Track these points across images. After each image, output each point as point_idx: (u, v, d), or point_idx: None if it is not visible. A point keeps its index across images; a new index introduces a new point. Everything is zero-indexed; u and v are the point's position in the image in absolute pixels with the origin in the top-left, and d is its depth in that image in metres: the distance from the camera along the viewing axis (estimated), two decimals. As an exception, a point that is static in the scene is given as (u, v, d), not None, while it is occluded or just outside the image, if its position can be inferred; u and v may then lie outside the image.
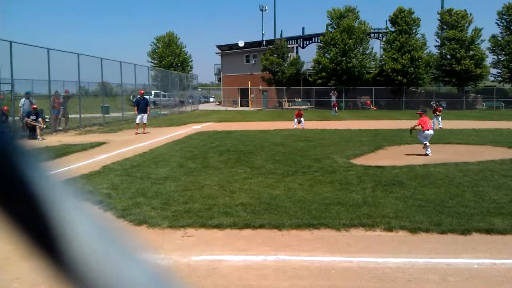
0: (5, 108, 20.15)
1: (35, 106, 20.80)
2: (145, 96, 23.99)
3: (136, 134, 21.75)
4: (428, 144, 13.92)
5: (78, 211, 0.39)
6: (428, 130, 13.93)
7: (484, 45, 50.26)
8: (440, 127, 23.94)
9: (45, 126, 21.32)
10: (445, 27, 50.65)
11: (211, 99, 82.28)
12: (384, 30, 52.40)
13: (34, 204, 0.37)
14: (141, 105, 22.70)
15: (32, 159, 0.38)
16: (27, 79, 24.51)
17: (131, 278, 0.37)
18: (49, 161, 0.40)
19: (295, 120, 25.31)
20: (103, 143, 17.79)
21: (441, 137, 18.72)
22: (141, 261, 0.38)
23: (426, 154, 13.72)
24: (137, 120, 22.69)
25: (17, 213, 0.38)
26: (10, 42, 19.28)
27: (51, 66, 22.44)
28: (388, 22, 50.93)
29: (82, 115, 26.09)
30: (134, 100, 25.83)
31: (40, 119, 20.23)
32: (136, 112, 22.92)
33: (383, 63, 50.03)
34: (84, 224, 0.39)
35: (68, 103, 25.17)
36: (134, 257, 0.38)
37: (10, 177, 0.37)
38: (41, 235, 0.38)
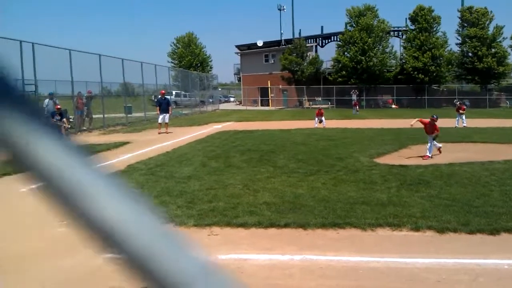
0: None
1: (59, 106, 21.11)
2: (166, 96, 24.20)
3: (159, 133, 21.96)
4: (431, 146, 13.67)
5: (127, 202, 0.40)
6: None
7: (506, 43, 49.48)
8: (464, 126, 23.63)
9: (69, 126, 21.63)
10: (465, 24, 49.93)
11: (232, 99, 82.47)
12: (404, 28, 51.86)
13: (83, 195, 0.39)
14: (163, 105, 22.98)
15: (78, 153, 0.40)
16: (50, 80, 24.88)
17: (184, 269, 0.39)
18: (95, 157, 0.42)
19: (316, 119, 25.20)
20: (127, 142, 17.99)
21: (465, 136, 18.48)
22: (192, 252, 0.40)
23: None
24: (160, 120, 22.93)
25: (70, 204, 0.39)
26: (33, 44, 19.61)
27: (73, 67, 22.78)
28: (408, 20, 50.44)
29: (106, 115, 26.41)
30: (155, 100, 26.05)
31: (64, 119, 20.54)
32: (158, 112, 23.14)
33: (404, 61, 49.51)
34: (138, 217, 0.40)
35: (91, 103, 25.50)
36: (186, 249, 0.40)
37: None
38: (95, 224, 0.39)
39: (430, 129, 13.70)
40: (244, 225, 6.97)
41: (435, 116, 13.99)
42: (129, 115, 29.38)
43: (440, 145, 13.89)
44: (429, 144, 13.54)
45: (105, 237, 0.39)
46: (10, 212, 8.17)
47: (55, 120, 20.00)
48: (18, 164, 0.38)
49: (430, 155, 13.34)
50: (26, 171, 0.38)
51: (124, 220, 0.39)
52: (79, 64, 23.58)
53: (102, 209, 0.39)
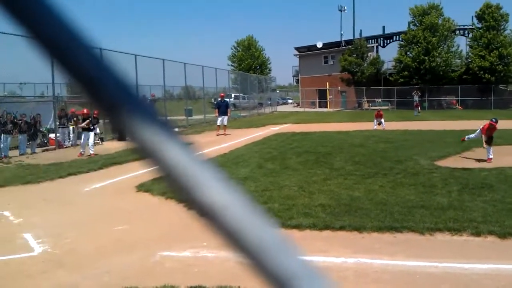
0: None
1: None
2: (225, 99, 24.56)
3: (217, 135, 22.37)
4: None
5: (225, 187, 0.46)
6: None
7: None
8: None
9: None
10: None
11: (289, 101, 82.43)
12: (470, 27, 49.83)
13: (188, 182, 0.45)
14: (222, 108, 23.29)
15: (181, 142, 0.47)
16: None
17: (292, 270, 0.42)
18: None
19: (375, 121, 24.75)
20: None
21: (535, 138, 17.55)
22: (298, 254, 0.44)
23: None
24: (218, 122, 23.35)
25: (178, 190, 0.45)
26: (100, 49, 20.40)
27: (138, 71, 23.62)
28: (475, 18, 48.44)
29: (167, 118, 27.08)
30: (215, 103, 26.53)
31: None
32: (217, 115, 23.48)
33: (470, 60, 47.60)
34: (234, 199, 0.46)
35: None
36: (292, 250, 0.44)
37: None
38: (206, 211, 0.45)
39: (490, 132, 13.12)
40: (298, 226, 6.99)
41: (494, 120, 13.36)
42: (189, 118, 30.06)
43: (491, 155, 13.04)
44: (486, 146, 13.02)
45: (216, 221, 0.44)
46: (74, 210, 8.61)
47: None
48: (146, 158, 0.45)
49: (491, 156, 12.81)
50: (151, 165, 0.45)
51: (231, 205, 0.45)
52: (144, 68, 24.43)
53: (213, 196, 0.44)
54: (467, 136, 14.33)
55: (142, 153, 0.44)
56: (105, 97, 0.44)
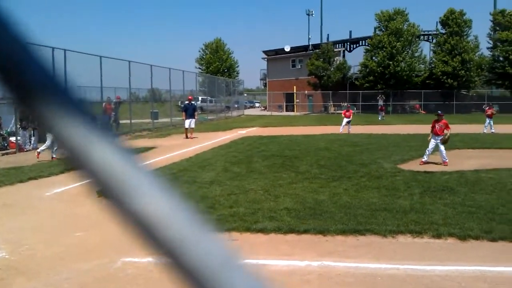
0: None
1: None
2: (192, 102, 24.41)
3: (185, 138, 22.27)
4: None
5: (170, 198, 0.43)
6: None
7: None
8: (492, 132, 23.16)
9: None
10: (497, 28, 48.86)
11: (257, 104, 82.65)
12: (434, 32, 51.08)
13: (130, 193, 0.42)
14: (189, 111, 23.13)
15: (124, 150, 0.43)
16: (80, 86, 25.33)
17: (230, 277, 0.40)
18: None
19: (344, 121, 24.86)
20: (152, 147, 18.23)
21: (493, 142, 18.10)
22: (239, 259, 0.42)
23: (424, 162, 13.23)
24: (186, 125, 23.13)
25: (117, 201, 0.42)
26: (65, 50, 20.08)
27: (103, 73, 23.25)
28: (439, 24, 49.67)
29: (132, 121, 26.83)
30: (182, 105, 26.34)
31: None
32: (184, 118, 23.29)
33: (433, 66, 48.77)
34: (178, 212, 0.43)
35: (119, 109, 25.92)
36: (233, 255, 0.42)
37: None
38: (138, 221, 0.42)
39: (440, 129, 13.31)
40: (263, 230, 6.98)
41: (439, 112, 13.58)
42: (155, 121, 29.75)
43: (445, 157, 13.20)
44: (440, 148, 13.18)
45: (149, 233, 0.41)
46: (34, 215, 8.37)
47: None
48: (74, 162, 0.41)
49: (447, 159, 13.07)
50: (79, 169, 0.41)
51: (167, 216, 0.42)
52: (109, 70, 24.05)
53: (149, 205, 0.41)
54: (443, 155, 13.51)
55: (67, 154, 0.41)
56: (20, 79, 0.40)
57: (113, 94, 26.41)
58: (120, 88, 27.16)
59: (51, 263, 5.90)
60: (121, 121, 26.06)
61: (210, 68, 58.08)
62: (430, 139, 13.35)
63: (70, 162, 0.41)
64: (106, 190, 0.41)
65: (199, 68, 59.83)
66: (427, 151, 13.34)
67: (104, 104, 23.88)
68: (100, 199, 0.43)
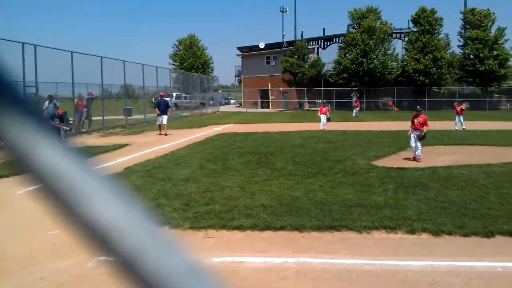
0: None
1: (61, 111, 21.11)
2: (165, 98, 24.30)
3: (158, 135, 22.08)
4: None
5: (123, 204, 0.41)
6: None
7: (508, 45, 49.38)
8: (463, 128, 23.62)
9: (69, 128, 21.61)
10: (468, 26, 49.86)
11: (232, 101, 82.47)
12: (406, 30, 51.77)
13: (79, 196, 0.39)
14: (162, 107, 22.97)
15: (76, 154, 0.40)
16: (51, 82, 24.90)
17: (172, 268, 0.39)
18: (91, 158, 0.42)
19: (322, 118, 25.10)
20: (126, 145, 18.00)
21: (464, 138, 18.47)
22: (182, 252, 0.40)
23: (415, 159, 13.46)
24: (158, 122, 23.09)
25: (66, 205, 0.40)
26: (35, 46, 19.65)
27: (74, 69, 22.81)
28: (411, 22, 50.38)
29: (105, 117, 26.45)
30: (155, 102, 26.21)
31: (64, 121, 20.52)
32: (158, 114, 23.14)
33: (405, 63, 49.43)
34: (130, 217, 0.40)
35: (91, 105, 25.50)
36: (176, 251, 0.40)
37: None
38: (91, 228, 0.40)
39: (418, 123, 13.55)
40: (239, 227, 6.97)
41: (418, 107, 13.95)
42: (128, 117, 29.37)
43: (420, 154, 13.46)
44: (416, 144, 13.40)
45: (98, 238, 0.39)
46: (5, 214, 8.18)
47: (55, 122, 20.01)
48: (17, 164, 0.38)
49: (420, 156, 13.31)
50: (24, 172, 0.38)
51: (117, 221, 0.39)
52: (81, 66, 23.63)
53: (96, 210, 0.39)
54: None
55: (18, 163, 0.38)
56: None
57: (85, 91, 25.96)
58: (92, 84, 26.72)
59: (25, 262, 5.77)
60: (93, 118, 25.64)
61: (184, 64, 57.56)
62: (411, 134, 13.57)
63: (16, 164, 0.38)
64: (52, 194, 0.38)
65: (173, 64, 59.28)
66: (412, 147, 13.54)
67: (75, 100, 23.46)
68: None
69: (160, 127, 22.87)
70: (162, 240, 0.40)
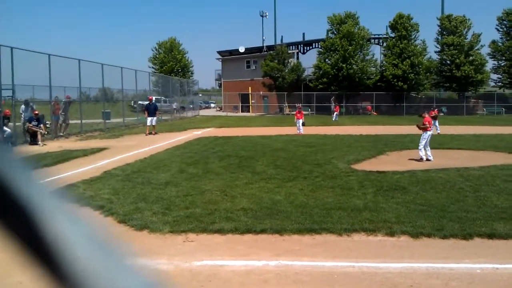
0: (7, 111, 20.05)
1: (37, 112, 20.79)
2: (153, 102, 26.78)
3: (146, 135, 24.05)
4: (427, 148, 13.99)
5: (69, 219, 0.39)
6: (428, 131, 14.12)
7: (484, 51, 50.47)
8: (438, 133, 23.94)
9: (46, 132, 21.29)
10: (444, 32, 50.73)
11: (212, 105, 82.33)
12: (384, 36, 52.42)
13: (23, 213, 0.37)
14: (151, 110, 25.41)
15: (21, 167, 0.38)
16: (28, 85, 24.52)
17: (125, 285, 0.37)
18: (40, 168, 0.40)
19: (299, 123, 25.21)
20: (104, 148, 17.79)
21: (442, 143, 18.72)
22: (135, 267, 0.38)
23: (422, 159, 13.77)
24: (148, 123, 25.25)
25: (8, 222, 0.37)
26: (11, 48, 19.30)
27: (52, 72, 22.48)
28: (388, 28, 51.01)
29: (83, 121, 26.11)
30: (144, 105, 28.39)
31: (41, 125, 20.22)
32: (147, 116, 25.48)
33: (384, 68, 50.03)
34: (76, 232, 0.38)
35: (69, 108, 25.15)
36: (128, 264, 0.38)
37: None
38: (34, 244, 0.37)
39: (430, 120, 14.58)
40: (220, 231, 6.94)
41: (421, 114, 14.89)
42: (107, 121, 29.05)
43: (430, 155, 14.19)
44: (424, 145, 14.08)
45: (40, 253, 0.37)
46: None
47: (32, 125, 19.69)
48: None
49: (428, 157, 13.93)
50: None
51: (59, 234, 0.37)
52: (58, 69, 23.29)
53: (38, 223, 0.37)
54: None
55: None
56: None
57: (63, 94, 25.58)
58: (70, 87, 26.35)
59: (1, 265, 5.63)
60: (71, 122, 25.29)
61: (164, 68, 57.24)
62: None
63: None
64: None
65: (153, 68, 58.91)
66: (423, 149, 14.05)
67: (52, 103, 23.12)
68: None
69: (149, 127, 25.06)
70: (111, 252, 0.38)
